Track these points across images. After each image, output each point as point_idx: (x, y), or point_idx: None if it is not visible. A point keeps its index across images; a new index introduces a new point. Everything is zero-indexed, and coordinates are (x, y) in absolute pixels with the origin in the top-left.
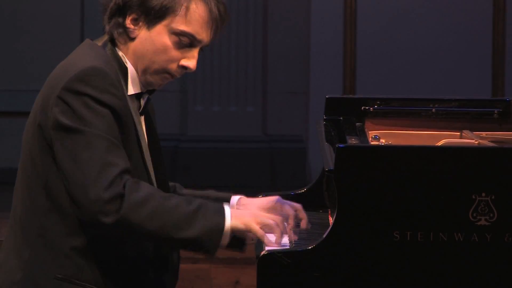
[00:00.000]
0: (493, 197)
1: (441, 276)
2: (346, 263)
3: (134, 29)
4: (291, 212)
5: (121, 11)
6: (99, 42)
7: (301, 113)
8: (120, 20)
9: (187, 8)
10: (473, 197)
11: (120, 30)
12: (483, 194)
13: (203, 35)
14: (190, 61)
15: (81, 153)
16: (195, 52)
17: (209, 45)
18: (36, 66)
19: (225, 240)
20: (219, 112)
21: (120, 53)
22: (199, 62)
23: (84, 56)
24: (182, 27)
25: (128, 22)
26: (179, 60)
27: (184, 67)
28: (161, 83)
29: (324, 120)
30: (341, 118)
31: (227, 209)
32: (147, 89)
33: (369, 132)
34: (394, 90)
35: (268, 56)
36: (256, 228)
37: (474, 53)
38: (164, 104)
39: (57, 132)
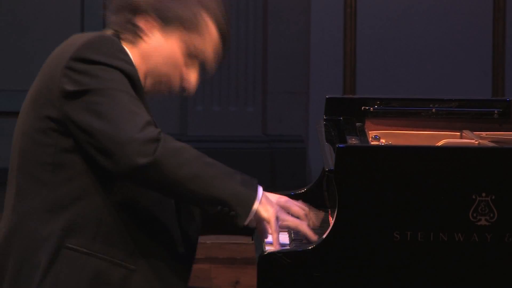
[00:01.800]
0: (493, 197)
1: (441, 276)
2: (346, 263)
3: (145, 31)
4: (301, 212)
5: (131, 8)
6: None
7: (301, 113)
8: (129, 16)
9: (207, 27)
10: (473, 197)
11: (129, 26)
12: (483, 194)
13: (212, 59)
14: (192, 80)
15: (105, 108)
16: (197, 72)
17: None
18: (37, 66)
19: (251, 216)
20: (219, 112)
21: (124, 45)
22: None
23: (86, 34)
24: (200, 46)
25: (140, 22)
26: (183, 74)
27: (185, 83)
28: (153, 93)
29: (324, 120)
30: (341, 118)
31: (260, 188)
32: None
33: (369, 132)
34: (394, 90)
35: (268, 56)
36: (274, 225)
37: (474, 53)
38: (164, 104)
39: (72, 101)
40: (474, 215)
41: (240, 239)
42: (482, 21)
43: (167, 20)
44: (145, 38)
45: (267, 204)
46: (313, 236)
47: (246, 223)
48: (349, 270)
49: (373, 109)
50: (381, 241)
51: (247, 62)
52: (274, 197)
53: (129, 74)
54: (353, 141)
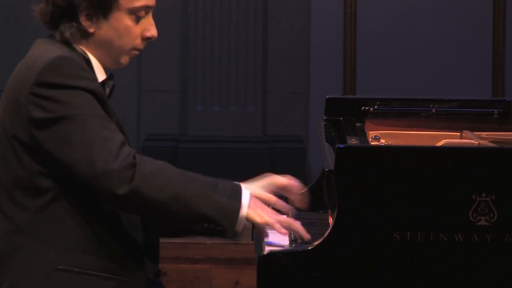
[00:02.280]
0: (493, 197)
1: (441, 276)
2: (346, 263)
3: (91, 25)
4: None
5: (69, 14)
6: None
7: (301, 113)
8: (73, 23)
9: None
10: (473, 197)
11: (73, 30)
12: (483, 194)
13: (153, 0)
14: (152, 30)
15: (76, 136)
16: (151, 19)
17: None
18: None
19: (240, 225)
20: (219, 112)
21: (78, 47)
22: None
23: (45, 50)
24: (136, 3)
25: (83, 21)
26: (141, 33)
27: (148, 38)
28: (129, 60)
29: (324, 120)
30: (341, 118)
31: (245, 193)
32: (109, 74)
33: (369, 132)
34: (394, 90)
35: (268, 56)
36: (275, 224)
37: (474, 53)
38: (164, 104)
39: (41, 129)
40: (474, 215)
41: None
42: (482, 21)
43: (101, 5)
44: (93, 31)
45: (258, 208)
46: (305, 235)
47: (234, 234)
48: (349, 270)
49: (373, 109)
50: (381, 241)
51: (247, 62)
52: (260, 192)
53: (94, 91)
54: (353, 141)
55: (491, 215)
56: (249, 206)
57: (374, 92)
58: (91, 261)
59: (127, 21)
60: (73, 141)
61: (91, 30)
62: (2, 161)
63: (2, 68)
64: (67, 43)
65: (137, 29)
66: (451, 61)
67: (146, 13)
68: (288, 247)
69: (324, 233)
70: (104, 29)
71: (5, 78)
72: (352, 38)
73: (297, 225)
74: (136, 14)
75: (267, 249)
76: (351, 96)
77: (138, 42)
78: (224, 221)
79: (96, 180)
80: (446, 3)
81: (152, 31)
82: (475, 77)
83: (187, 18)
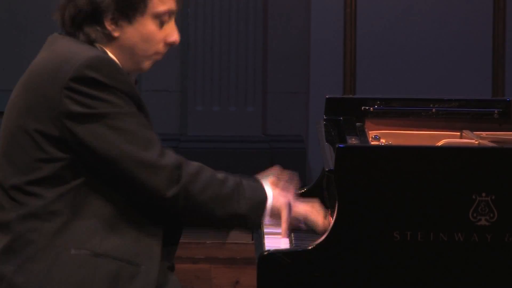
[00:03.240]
0: (493, 197)
1: (441, 276)
2: (346, 263)
3: (115, 29)
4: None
5: (94, 18)
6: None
7: (301, 113)
8: (98, 27)
9: None
10: (473, 197)
11: (98, 33)
12: (483, 194)
13: (176, 5)
14: (175, 35)
15: (119, 135)
16: (173, 24)
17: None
18: None
19: (265, 216)
20: (219, 112)
21: (98, 45)
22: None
23: (78, 48)
24: (161, 8)
25: (107, 25)
26: (164, 37)
27: (172, 42)
28: (151, 65)
29: (324, 120)
30: (341, 118)
31: (267, 188)
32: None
33: (369, 132)
34: (394, 90)
35: (268, 56)
36: (286, 214)
37: (474, 53)
38: (164, 104)
39: (81, 124)
40: (474, 215)
41: (240, 239)
42: (482, 21)
43: (127, 9)
44: (117, 35)
45: (279, 195)
46: (321, 225)
47: (258, 227)
48: (349, 270)
49: (373, 109)
50: (381, 241)
51: (247, 62)
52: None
53: (132, 95)
54: (353, 141)
55: (491, 215)
56: (273, 196)
57: (374, 92)
58: (105, 247)
59: (152, 26)
60: (116, 139)
61: (116, 34)
62: (23, 152)
63: (2, 68)
64: (92, 44)
65: (160, 34)
66: (451, 61)
67: (169, 17)
68: (288, 247)
69: (324, 233)
70: (128, 34)
71: (5, 78)
72: (352, 38)
73: (315, 213)
74: (160, 18)
75: (267, 249)
76: (351, 96)
77: (161, 47)
78: (254, 216)
79: (144, 178)
80: (446, 3)
81: (175, 36)
82: (475, 77)
83: (187, 18)
